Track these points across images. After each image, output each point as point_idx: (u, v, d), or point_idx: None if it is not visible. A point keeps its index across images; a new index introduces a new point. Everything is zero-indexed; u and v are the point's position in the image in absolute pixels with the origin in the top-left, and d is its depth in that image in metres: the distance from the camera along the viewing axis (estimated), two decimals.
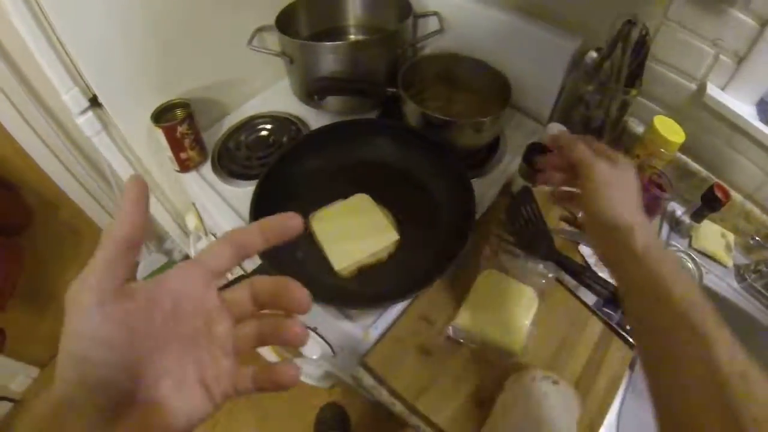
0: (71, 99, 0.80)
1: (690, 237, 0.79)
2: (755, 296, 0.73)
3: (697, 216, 0.76)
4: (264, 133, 0.90)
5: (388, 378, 0.62)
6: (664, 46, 0.75)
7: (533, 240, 0.72)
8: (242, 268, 0.77)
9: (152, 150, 0.90)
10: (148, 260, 1.31)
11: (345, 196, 0.73)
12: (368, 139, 0.79)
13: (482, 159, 0.83)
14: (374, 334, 0.64)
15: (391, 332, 0.65)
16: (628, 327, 0.65)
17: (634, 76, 0.74)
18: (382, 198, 0.73)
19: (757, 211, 0.76)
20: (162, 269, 1.33)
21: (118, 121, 0.83)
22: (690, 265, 0.75)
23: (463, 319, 0.64)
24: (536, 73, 0.82)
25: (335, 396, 1.32)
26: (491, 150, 0.84)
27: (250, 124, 0.91)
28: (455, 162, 0.72)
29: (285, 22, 0.85)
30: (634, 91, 0.73)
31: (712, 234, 0.78)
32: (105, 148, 0.88)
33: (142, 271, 1.30)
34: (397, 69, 0.83)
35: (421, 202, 0.75)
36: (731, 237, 0.78)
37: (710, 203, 0.73)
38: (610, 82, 0.73)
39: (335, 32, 0.96)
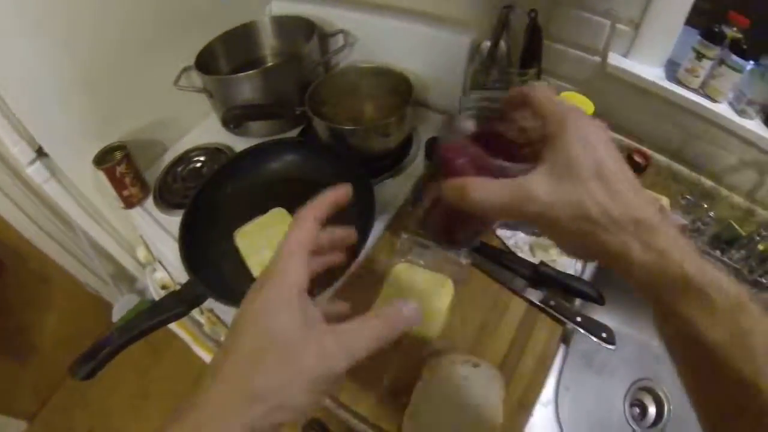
0: (20, 151, 0.85)
1: None
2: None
3: None
4: (198, 164, 0.95)
5: None
6: (559, 25, 0.76)
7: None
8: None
9: (99, 191, 0.95)
10: (121, 302, 1.34)
11: (264, 212, 0.76)
12: (278, 157, 0.84)
13: (396, 159, 0.84)
14: None
15: None
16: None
17: (532, 57, 0.75)
18: (296, 209, 0.75)
19: (685, 170, 0.74)
20: (136, 309, 1.35)
21: (63, 167, 0.88)
22: None
23: None
24: (439, 70, 0.85)
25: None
26: (405, 150, 0.86)
27: (185, 158, 0.96)
28: (355, 165, 0.75)
29: (205, 62, 0.90)
30: (530, 71, 0.73)
31: None
32: (55, 193, 0.93)
33: (115, 313, 1.33)
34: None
35: None
36: (666, 200, 0.76)
37: (633, 169, 0.72)
38: (511, 69, 0.74)
39: (255, 63, 1.00)
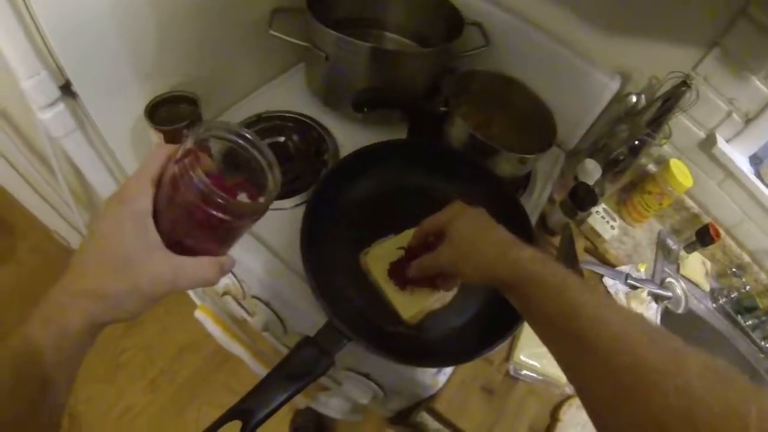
0: (35, 87, 0.60)
1: (678, 264, 0.92)
2: (725, 316, 0.89)
3: (690, 248, 0.88)
4: (281, 138, 0.77)
5: (456, 421, 0.64)
6: (690, 96, 0.82)
7: None
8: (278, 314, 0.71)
9: (138, 156, 0.74)
10: None
11: (391, 228, 0.65)
12: (413, 162, 0.72)
13: (516, 188, 0.81)
14: (442, 379, 0.64)
15: (455, 375, 0.66)
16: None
17: (662, 122, 0.80)
18: None
19: (733, 245, 0.91)
20: None
21: (96, 116, 0.64)
22: (678, 290, 0.88)
23: (523, 356, 0.68)
24: (573, 104, 0.82)
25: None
26: (523, 179, 0.83)
27: (260, 124, 0.78)
28: (509, 193, 0.70)
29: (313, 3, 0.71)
30: (664, 141, 0.79)
31: (695, 262, 0.92)
32: (79, 152, 0.69)
33: None
34: (436, 83, 0.78)
35: None
36: (709, 265, 0.93)
37: (703, 239, 0.85)
38: (644, 128, 0.79)
39: (366, 24, 0.84)
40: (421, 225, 0.54)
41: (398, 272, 0.59)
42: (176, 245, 0.33)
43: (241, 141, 0.35)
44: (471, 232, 0.47)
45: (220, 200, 0.31)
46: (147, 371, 1.18)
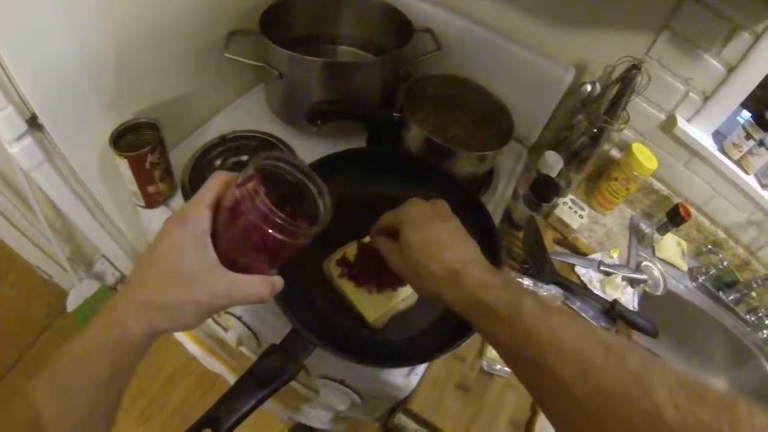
0: (2, 121, 0.61)
1: (653, 247, 0.92)
2: (706, 293, 0.89)
3: (662, 230, 0.89)
4: (244, 157, 0.80)
5: (433, 420, 0.65)
6: (641, 79, 0.83)
7: (538, 265, 0.79)
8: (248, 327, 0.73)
9: (107, 183, 0.76)
10: (79, 288, 1.13)
11: (354, 236, 0.67)
12: (373, 170, 0.73)
13: (479, 186, 0.83)
14: (415, 380, 0.65)
15: (428, 375, 0.67)
16: None
17: (618, 107, 0.82)
18: None
19: (706, 222, 0.91)
20: (97, 297, 1.17)
21: (63, 146, 0.67)
22: (656, 272, 0.89)
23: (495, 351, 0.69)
24: (529, 99, 0.84)
25: None
26: (485, 177, 0.84)
27: (223, 145, 0.80)
28: (470, 192, 0.71)
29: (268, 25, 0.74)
30: (623, 126, 0.81)
31: (670, 243, 0.93)
32: (49, 183, 0.72)
33: (72, 300, 1.13)
34: (392, 90, 0.80)
35: None
36: (684, 244, 0.94)
37: (674, 219, 0.86)
38: (602, 115, 0.80)
39: (322, 40, 0.87)
40: (378, 222, 0.54)
41: (354, 271, 0.63)
42: (231, 264, 0.37)
43: (292, 169, 0.39)
44: (421, 247, 0.44)
45: (280, 222, 0.34)
46: (138, 402, 1.19)
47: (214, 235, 0.36)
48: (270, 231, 0.35)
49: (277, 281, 0.40)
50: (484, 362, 0.69)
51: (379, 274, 0.63)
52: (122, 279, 1.20)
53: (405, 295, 0.67)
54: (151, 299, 0.33)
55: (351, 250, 0.66)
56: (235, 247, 0.37)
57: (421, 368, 0.66)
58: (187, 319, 0.34)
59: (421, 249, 0.44)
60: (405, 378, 0.64)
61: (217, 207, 0.37)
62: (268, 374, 0.49)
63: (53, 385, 0.31)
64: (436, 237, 0.44)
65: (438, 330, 0.64)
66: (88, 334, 0.32)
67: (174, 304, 0.33)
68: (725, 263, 0.88)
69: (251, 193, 0.34)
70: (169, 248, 0.34)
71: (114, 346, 0.32)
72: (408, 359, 0.62)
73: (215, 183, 0.37)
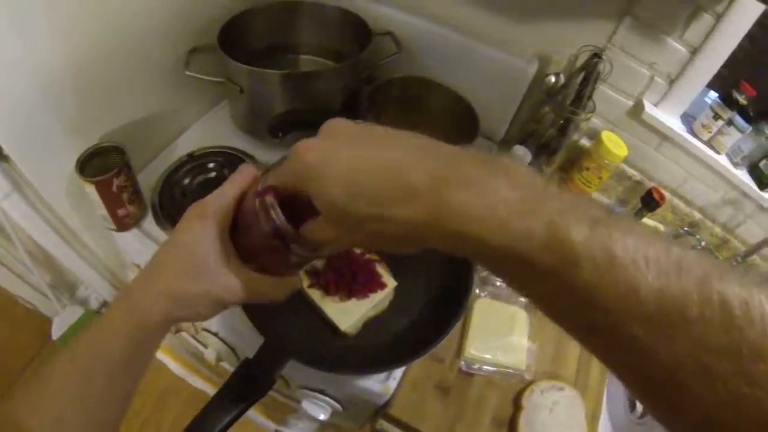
0: None
1: None
2: None
3: (638, 215, 0.89)
4: (212, 174, 0.81)
5: (415, 424, 0.65)
6: (604, 68, 0.84)
7: None
8: (226, 343, 0.73)
9: (76, 209, 0.77)
10: (63, 315, 1.13)
11: None
12: None
13: None
14: (393, 385, 0.65)
15: (406, 378, 0.67)
16: None
17: (584, 97, 0.82)
18: None
19: (681, 205, 0.92)
20: (81, 322, 1.16)
21: (31, 176, 0.68)
22: None
23: (473, 350, 0.69)
24: (494, 94, 0.85)
25: None
26: None
27: (191, 163, 0.81)
28: None
29: (226, 41, 0.75)
30: (589, 115, 0.81)
31: None
32: (20, 213, 0.72)
33: (57, 328, 1.13)
34: (356, 95, 0.80)
35: None
36: (662, 228, 0.94)
37: (649, 204, 0.86)
38: (568, 106, 0.80)
39: (282, 51, 0.88)
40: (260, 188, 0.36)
41: (323, 280, 0.65)
42: (250, 260, 0.37)
43: None
44: (358, 193, 0.27)
45: (293, 238, 0.33)
46: (132, 424, 1.19)
47: (233, 232, 0.36)
48: (283, 245, 0.34)
49: (294, 282, 0.39)
50: (463, 362, 0.69)
51: (348, 282, 0.64)
52: (106, 303, 1.20)
53: (377, 301, 0.67)
54: (168, 288, 0.34)
55: (320, 263, 0.66)
56: (251, 248, 0.37)
57: (399, 372, 0.66)
58: (202, 310, 0.35)
59: (359, 197, 0.27)
60: (383, 383, 0.65)
61: (240, 202, 0.36)
62: (242, 389, 0.50)
63: (72, 366, 0.32)
64: (373, 165, 0.27)
65: (413, 333, 0.65)
66: (107, 319, 0.34)
67: (190, 296, 0.34)
68: (703, 243, 0.88)
69: (266, 204, 0.33)
70: (188, 241, 0.34)
71: (133, 330, 0.33)
72: (383, 364, 0.62)
73: (242, 177, 0.36)
